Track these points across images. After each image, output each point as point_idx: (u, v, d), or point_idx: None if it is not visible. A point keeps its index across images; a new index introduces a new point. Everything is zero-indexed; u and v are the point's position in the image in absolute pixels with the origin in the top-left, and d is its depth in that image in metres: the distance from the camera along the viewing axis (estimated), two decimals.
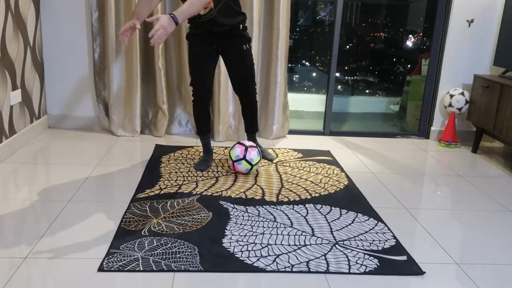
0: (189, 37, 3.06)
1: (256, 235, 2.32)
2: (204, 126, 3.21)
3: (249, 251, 2.18)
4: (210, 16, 2.85)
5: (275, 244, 2.26)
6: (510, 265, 2.21)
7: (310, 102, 5.18)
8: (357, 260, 2.15)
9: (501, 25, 3.86)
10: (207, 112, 3.16)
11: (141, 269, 2.00)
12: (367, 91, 5.77)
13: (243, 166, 3.07)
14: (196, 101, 3.10)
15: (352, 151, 3.82)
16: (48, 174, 2.99)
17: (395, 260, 2.18)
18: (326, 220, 2.54)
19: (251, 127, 3.39)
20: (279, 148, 3.74)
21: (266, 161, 3.42)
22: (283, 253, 2.17)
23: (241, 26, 3.01)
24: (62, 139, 3.71)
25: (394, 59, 5.61)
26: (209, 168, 3.20)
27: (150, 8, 2.86)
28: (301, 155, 3.59)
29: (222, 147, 3.70)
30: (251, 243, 2.25)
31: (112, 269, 1.98)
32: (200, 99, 3.09)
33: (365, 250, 2.25)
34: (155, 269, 2.00)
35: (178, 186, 2.89)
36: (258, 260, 2.11)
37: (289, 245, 2.25)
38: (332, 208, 2.70)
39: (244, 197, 2.78)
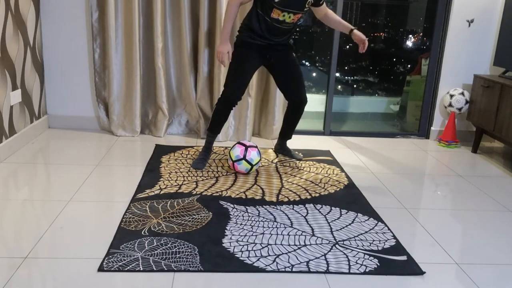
0: (242, 44, 3.08)
1: (256, 235, 2.32)
2: (218, 126, 3.22)
3: (249, 251, 2.18)
4: (290, 26, 3.03)
5: (275, 244, 2.26)
6: (510, 265, 2.21)
7: (310, 102, 5.16)
8: (357, 260, 2.15)
9: (501, 25, 3.86)
10: (228, 115, 3.18)
11: (141, 269, 2.00)
12: (367, 91, 5.77)
13: (243, 166, 3.07)
14: (225, 102, 3.10)
15: (352, 151, 3.82)
16: (48, 174, 2.99)
17: (395, 260, 2.18)
18: (326, 220, 2.54)
19: (288, 134, 3.48)
20: None
21: (267, 161, 3.42)
22: (283, 253, 2.17)
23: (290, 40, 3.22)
24: (62, 139, 3.71)
25: (394, 59, 5.62)
26: (208, 168, 3.20)
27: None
28: (301, 155, 3.58)
29: (222, 147, 3.70)
30: (251, 243, 2.25)
31: (112, 269, 1.98)
32: (231, 102, 3.10)
33: (365, 250, 2.25)
34: (155, 269, 2.00)
35: (178, 186, 2.89)
36: (258, 260, 2.11)
37: (289, 245, 2.25)
38: (332, 208, 2.70)
39: (244, 197, 2.78)
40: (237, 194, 2.81)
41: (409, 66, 5.36)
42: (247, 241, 2.26)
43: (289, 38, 3.16)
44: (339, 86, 5.55)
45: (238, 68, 3.08)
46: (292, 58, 3.20)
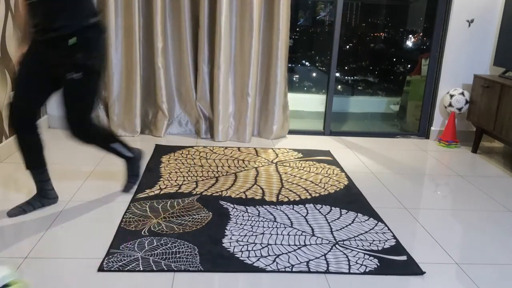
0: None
1: (256, 235, 2.32)
2: (29, 157, 2.32)
3: (249, 251, 2.18)
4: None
5: (275, 244, 2.26)
6: (510, 265, 2.21)
7: (310, 102, 5.18)
8: (357, 260, 2.15)
9: (501, 25, 3.86)
10: (30, 139, 2.28)
11: (141, 269, 2.00)
12: (367, 91, 5.77)
13: None
14: (10, 120, 2.24)
15: (352, 151, 3.82)
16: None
17: (395, 260, 2.18)
18: (326, 220, 2.54)
19: (119, 156, 2.64)
20: (279, 148, 3.74)
21: (267, 161, 3.42)
22: (283, 253, 2.17)
23: (69, 38, 2.09)
24: (62, 139, 3.71)
25: (394, 59, 5.62)
26: (208, 168, 3.20)
27: None
28: (301, 155, 3.59)
29: (222, 147, 3.70)
30: (251, 243, 2.25)
31: (112, 269, 1.98)
32: (15, 119, 2.24)
33: (365, 250, 2.25)
34: (155, 269, 2.00)
35: (178, 186, 2.89)
36: (258, 260, 2.11)
37: (289, 245, 2.25)
38: (332, 208, 2.70)
39: (244, 197, 2.78)
40: (237, 194, 2.81)
41: (409, 66, 5.36)
42: (247, 241, 2.26)
43: (54, 32, 2.10)
44: (339, 86, 5.55)
45: (18, 73, 2.27)
46: (65, 82, 2.19)
